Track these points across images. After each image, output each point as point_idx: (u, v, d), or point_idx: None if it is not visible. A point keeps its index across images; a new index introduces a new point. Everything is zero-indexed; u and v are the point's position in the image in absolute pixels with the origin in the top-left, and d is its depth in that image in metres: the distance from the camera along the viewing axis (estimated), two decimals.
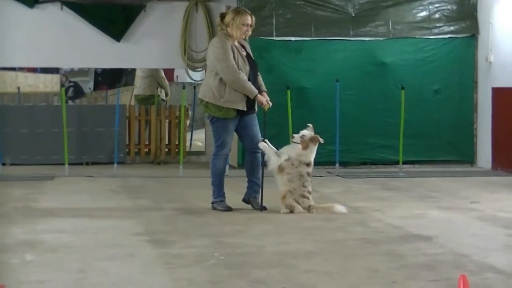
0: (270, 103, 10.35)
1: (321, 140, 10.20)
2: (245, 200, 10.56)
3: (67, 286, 6.59)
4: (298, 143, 10.14)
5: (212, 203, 10.46)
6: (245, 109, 10.21)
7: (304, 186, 10.17)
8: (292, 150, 10.21)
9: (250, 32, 10.44)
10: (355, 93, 15.48)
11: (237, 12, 10.41)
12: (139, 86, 18.46)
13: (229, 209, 10.36)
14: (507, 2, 14.89)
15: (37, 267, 7.24)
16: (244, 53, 10.37)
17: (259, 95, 10.23)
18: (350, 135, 15.30)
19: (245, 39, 10.52)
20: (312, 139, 10.18)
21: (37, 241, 8.40)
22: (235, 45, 10.26)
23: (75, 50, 15.97)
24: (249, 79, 10.20)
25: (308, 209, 10.17)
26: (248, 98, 10.20)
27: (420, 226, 9.29)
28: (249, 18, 10.33)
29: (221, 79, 10.15)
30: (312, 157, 10.24)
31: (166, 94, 18.51)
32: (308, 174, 10.18)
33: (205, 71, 11.05)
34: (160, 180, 13.91)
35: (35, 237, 8.63)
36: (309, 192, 10.23)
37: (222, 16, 10.46)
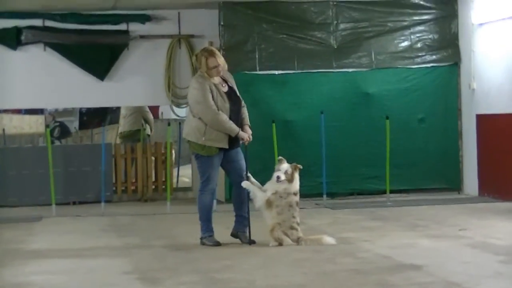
0: (251, 138, 10.39)
1: (300, 166, 10.23)
2: (234, 235, 10.55)
3: None
4: (284, 180, 10.16)
5: (201, 238, 10.46)
6: (227, 147, 10.25)
7: (293, 217, 10.17)
8: (277, 185, 10.22)
9: (221, 71, 10.35)
10: (340, 124, 15.52)
11: (203, 55, 10.31)
12: (124, 124, 18.48)
13: (218, 244, 10.35)
14: (487, 30, 14.99)
15: None
16: (226, 89, 10.37)
17: (240, 132, 10.26)
18: (337, 166, 15.32)
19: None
20: (294, 168, 10.20)
21: (27, 283, 8.37)
22: (213, 83, 10.26)
23: (59, 91, 15.98)
24: (230, 115, 10.23)
25: (297, 241, 10.17)
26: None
27: (410, 255, 9.29)
28: (215, 60, 10.23)
29: (201, 119, 10.20)
30: (297, 185, 10.26)
31: (151, 129, 18.54)
32: (296, 203, 10.21)
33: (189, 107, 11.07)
34: (148, 217, 13.89)
35: (25, 279, 8.60)
36: (298, 224, 10.24)
37: (196, 55, 10.49)
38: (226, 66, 10.50)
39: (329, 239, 10.29)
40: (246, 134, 10.31)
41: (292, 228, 10.17)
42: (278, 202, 10.13)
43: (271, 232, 10.17)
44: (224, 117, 10.16)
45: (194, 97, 10.28)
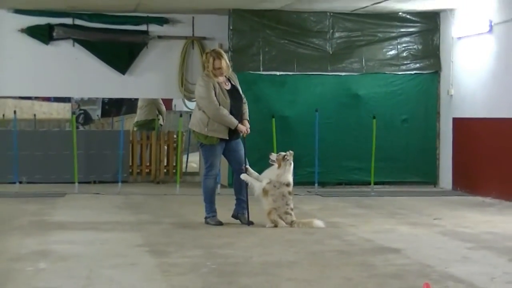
0: (249, 131, 10.38)
1: (287, 157, 10.21)
2: (234, 216, 10.56)
3: None
4: (274, 161, 10.18)
5: (205, 218, 10.45)
6: (227, 138, 10.24)
7: (287, 205, 10.16)
8: (271, 173, 10.23)
9: (224, 73, 10.31)
10: (332, 121, 15.49)
11: (211, 55, 10.29)
12: (140, 113, 18.44)
13: (220, 223, 10.33)
14: (466, 43, 14.95)
15: (49, 274, 7.20)
16: (228, 87, 10.35)
17: (239, 125, 10.25)
18: (328, 158, 15.29)
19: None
20: (283, 158, 10.20)
21: (49, 251, 8.37)
22: (217, 82, 10.25)
23: (85, 82, 15.98)
24: (231, 110, 10.22)
25: (291, 224, 10.15)
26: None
27: (390, 240, 9.27)
28: (220, 62, 10.20)
29: (205, 112, 10.23)
30: (289, 178, 10.24)
31: (163, 119, 18.53)
32: (289, 193, 10.18)
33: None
34: (159, 197, 13.87)
35: (48, 247, 8.59)
36: (291, 209, 10.22)
37: (206, 55, 10.49)
38: (230, 68, 10.50)
39: (319, 223, 10.27)
40: (244, 127, 10.32)
41: (286, 213, 10.16)
42: (272, 192, 10.12)
43: (268, 215, 10.16)
44: (225, 111, 10.17)
45: (199, 93, 10.33)
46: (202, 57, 10.49)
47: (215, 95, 10.17)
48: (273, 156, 10.31)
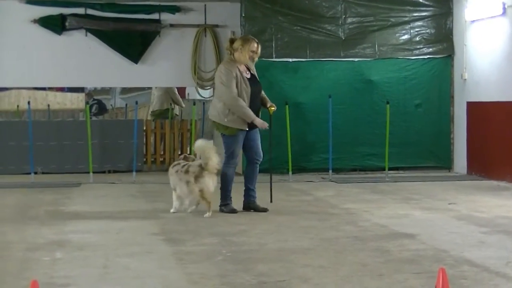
0: (265, 124, 10.37)
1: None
2: (246, 207, 10.52)
3: (93, 280, 6.60)
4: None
5: (220, 205, 10.47)
6: (246, 129, 10.25)
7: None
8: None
9: (256, 58, 10.48)
10: (345, 107, 15.47)
11: (246, 39, 10.49)
12: (155, 102, 18.49)
13: (234, 211, 10.36)
14: (479, 26, 14.90)
15: (66, 263, 7.26)
16: (248, 75, 10.37)
17: (257, 120, 10.23)
18: (342, 144, 15.28)
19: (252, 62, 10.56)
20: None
21: (65, 240, 8.42)
22: (239, 70, 10.28)
23: (98, 71, 16.01)
24: (251, 98, 10.23)
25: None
26: None
27: (404, 225, 9.29)
28: (256, 45, 10.40)
29: (224, 103, 10.21)
30: None
31: (181, 107, 18.57)
32: None
33: (213, 90, 11.03)
34: None
35: (64, 237, 8.65)
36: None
37: (231, 41, 10.52)
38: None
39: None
40: (261, 122, 10.28)
41: None
42: None
43: None
44: (242, 103, 10.16)
45: (220, 79, 10.29)
46: (234, 42, 10.38)
47: (236, 85, 10.17)
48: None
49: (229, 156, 10.38)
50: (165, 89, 18.01)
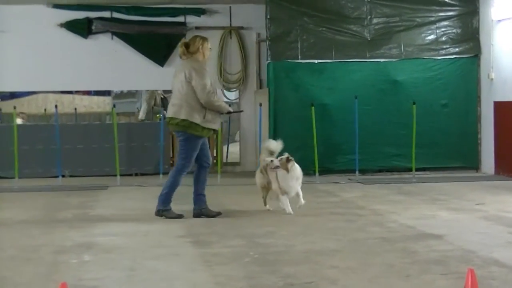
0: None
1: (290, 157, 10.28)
2: (197, 214, 10.19)
3: (120, 282, 6.63)
4: (279, 166, 10.20)
5: (160, 210, 10.18)
6: (218, 129, 10.15)
7: None
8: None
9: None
10: (371, 108, 15.45)
11: (203, 38, 10.15)
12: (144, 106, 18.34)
13: (180, 216, 10.10)
14: (506, 25, 14.83)
15: (93, 266, 7.29)
16: None
17: (230, 108, 10.22)
18: (368, 145, 15.26)
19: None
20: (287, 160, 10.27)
21: (93, 243, 8.46)
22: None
23: (124, 75, 16.10)
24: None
25: None
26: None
27: (431, 226, 9.25)
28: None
29: (200, 103, 9.87)
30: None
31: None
32: None
33: (181, 89, 10.26)
34: None
35: (92, 239, 8.68)
36: None
37: (186, 45, 10.14)
38: None
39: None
40: (231, 109, 10.25)
41: None
42: None
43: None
44: (217, 97, 10.04)
45: (195, 78, 9.88)
46: (189, 46, 10.00)
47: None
48: (276, 161, 10.24)
49: (188, 161, 10.04)
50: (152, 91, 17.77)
